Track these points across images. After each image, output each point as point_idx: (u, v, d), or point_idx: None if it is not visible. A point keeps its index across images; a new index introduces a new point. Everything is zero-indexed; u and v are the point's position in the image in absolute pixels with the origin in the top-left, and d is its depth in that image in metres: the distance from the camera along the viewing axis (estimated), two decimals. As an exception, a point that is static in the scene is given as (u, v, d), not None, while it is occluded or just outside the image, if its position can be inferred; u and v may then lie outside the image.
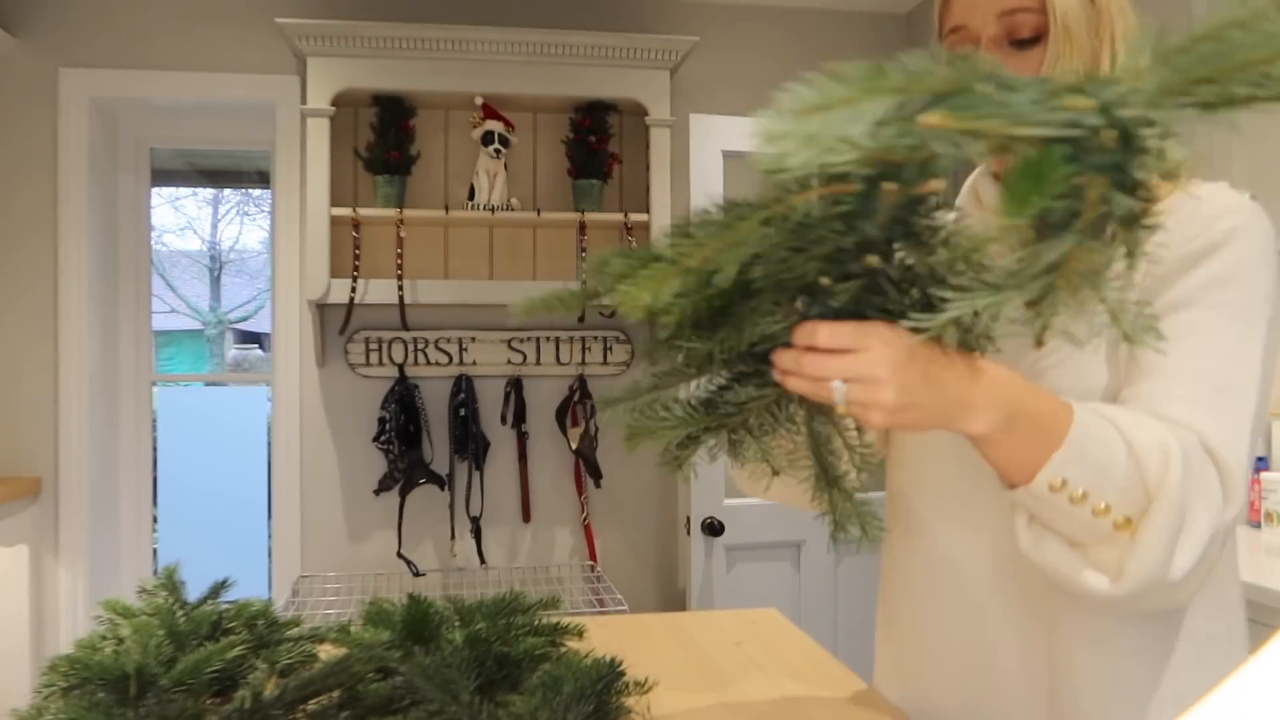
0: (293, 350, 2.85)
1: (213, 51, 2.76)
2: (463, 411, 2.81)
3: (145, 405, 3.01)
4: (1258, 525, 2.06)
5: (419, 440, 2.79)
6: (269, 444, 3.03)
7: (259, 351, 7.82)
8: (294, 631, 0.97)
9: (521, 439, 2.91)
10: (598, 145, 2.79)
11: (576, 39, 2.64)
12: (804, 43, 3.08)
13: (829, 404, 0.66)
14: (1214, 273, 0.79)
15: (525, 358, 2.90)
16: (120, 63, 2.72)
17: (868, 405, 0.65)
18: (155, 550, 3.17)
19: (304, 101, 2.67)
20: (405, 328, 2.68)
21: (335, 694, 0.83)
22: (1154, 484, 0.71)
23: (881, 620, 1.07)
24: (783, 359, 0.66)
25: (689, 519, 2.70)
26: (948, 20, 0.88)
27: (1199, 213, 0.81)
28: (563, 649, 0.96)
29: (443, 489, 2.81)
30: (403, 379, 2.79)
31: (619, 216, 2.74)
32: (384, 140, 2.68)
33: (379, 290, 2.64)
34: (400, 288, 2.62)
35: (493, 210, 2.67)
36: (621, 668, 0.86)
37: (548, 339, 2.91)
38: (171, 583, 0.98)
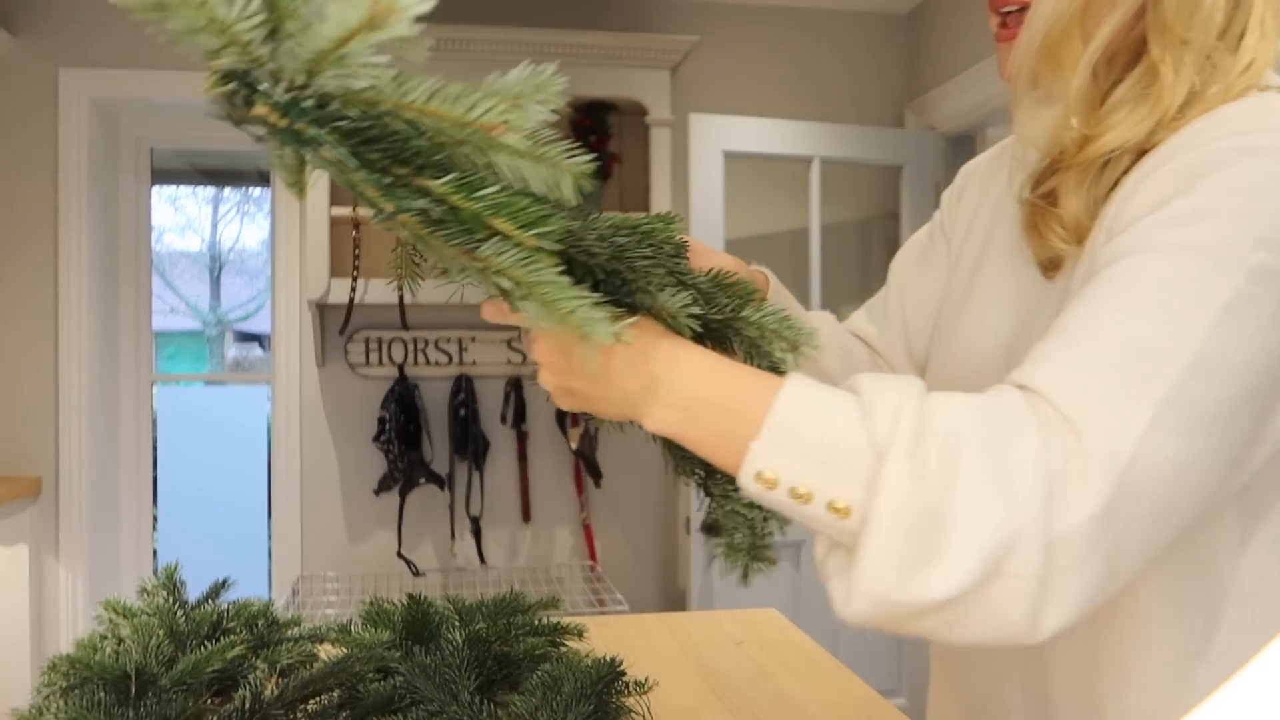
0: (293, 350, 2.85)
1: (213, 51, 2.75)
2: (463, 411, 2.81)
3: (145, 405, 3.01)
4: None
5: (419, 440, 2.79)
6: (269, 444, 3.03)
7: (259, 351, 7.82)
8: (294, 631, 0.97)
9: (521, 439, 2.91)
10: (598, 145, 2.79)
11: (576, 39, 2.64)
12: (804, 42, 3.08)
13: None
14: (1182, 207, 0.58)
15: (525, 358, 2.90)
16: (120, 63, 2.72)
17: (555, 391, 0.67)
18: (155, 550, 3.17)
19: (304, 101, 2.66)
20: (405, 328, 2.68)
21: (335, 694, 0.83)
22: (882, 454, 0.54)
23: (936, 663, 0.91)
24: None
25: (689, 519, 2.70)
26: None
27: (1203, 134, 0.61)
28: (563, 649, 0.96)
29: (443, 489, 2.81)
30: (403, 379, 2.79)
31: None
32: (384, 140, 2.68)
33: (379, 290, 2.64)
34: (400, 288, 2.62)
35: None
36: (621, 668, 0.86)
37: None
38: (171, 583, 0.98)
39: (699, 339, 0.65)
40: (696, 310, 0.63)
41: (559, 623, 0.99)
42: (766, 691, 1.07)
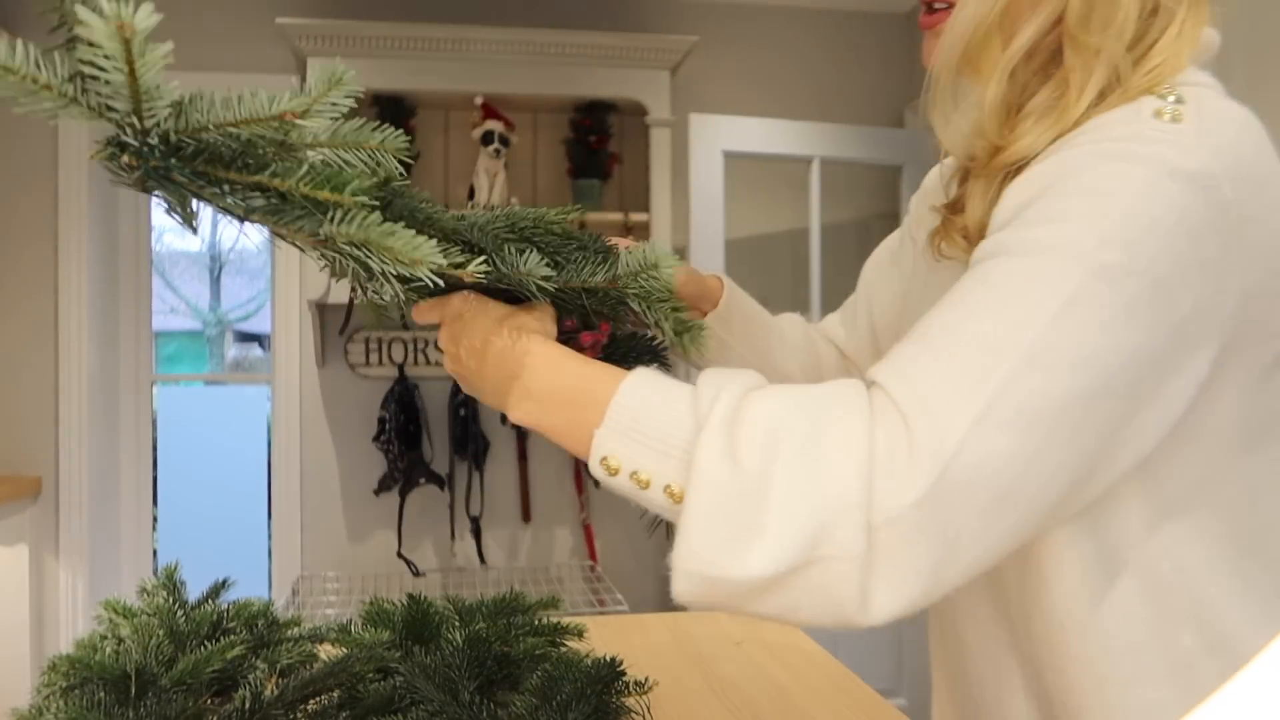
0: (293, 350, 2.85)
1: (213, 51, 2.76)
2: (463, 411, 2.80)
3: (145, 405, 3.01)
4: None
5: (419, 440, 2.79)
6: (269, 444, 3.03)
7: (259, 351, 7.82)
8: (294, 631, 0.97)
9: (521, 439, 2.90)
10: (598, 145, 2.79)
11: (576, 39, 2.64)
12: (804, 42, 3.08)
13: None
14: (1037, 210, 0.57)
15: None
16: (120, 63, 2.71)
17: (455, 377, 0.73)
18: (155, 550, 3.17)
19: (304, 101, 2.66)
20: (405, 328, 2.68)
21: (335, 694, 0.83)
22: (698, 435, 0.55)
23: (937, 676, 0.88)
24: None
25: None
26: None
27: (1072, 140, 0.61)
28: (563, 649, 0.97)
29: (443, 489, 2.81)
30: (403, 379, 2.79)
31: (619, 216, 2.74)
32: (384, 140, 2.68)
33: (379, 290, 2.63)
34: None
35: (493, 210, 2.66)
36: (621, 668, 0.86)
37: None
38: (171, 583, 0.98)
39: (595, 315, 0.73)
40: (547, 272, 0.66)
41: (559, 623, 0.99)
42: (766, 691, 1.07)
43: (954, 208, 0.73)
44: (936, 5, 0.72)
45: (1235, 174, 0.56)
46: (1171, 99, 0.59)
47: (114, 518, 2.91)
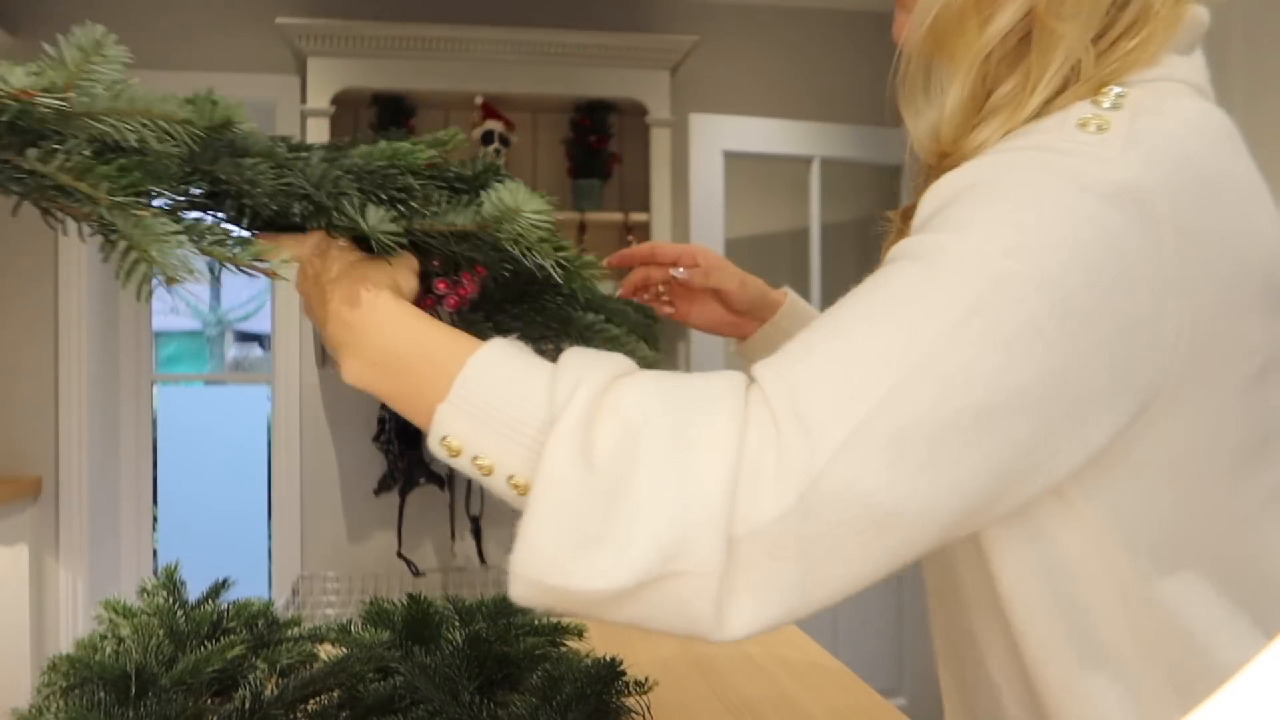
0: (293, 350, 2.85)
1: (213, 51, 2.76)
2: (463, 411, 2.80)
3: (145, 405, 3.01)
4: None
5: (419, 440, 2.78)
6: (269, 443, 3.03)
7: (259, 351, 7.82)
8: (294, 631, 0.97)
9: (521, 439, 2.90)
10: (598, 145, 2.79)
11: (576, 39, 2.64)
12: (804, 42, 3.08)
13: None
14: (947, 214, 0.54)
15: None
16: (120, 62, 2.71)
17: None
18: (155, 550, 3.16)
19: (304, 101, 2.66)
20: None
21: (335, 694, 0.83)
22: (551, 429, 0.51)
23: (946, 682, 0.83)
24: None
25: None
26: None
27: (1004, 143, 0.57)
28: (562, 649, 0.97)
29: (443, 489, 2.81)
30: (403, 379, 2.79)
31: (619, 216, 2.74)
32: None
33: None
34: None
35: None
36: (621, 668, 0.86)
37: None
38: (171, 583, 0.98)
39: (468, 263, 0.66)
40: (391, 228, 0.60)
41: (559, 623, 0.99)
42: (766, 691, 1.07)
43: (907, 214, 0.66)
44: None
45: (1175, 184, 0.51)
46: (1108, 104, 0.55)
47: (114, 518, 2.91)
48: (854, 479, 0.47)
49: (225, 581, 1.00)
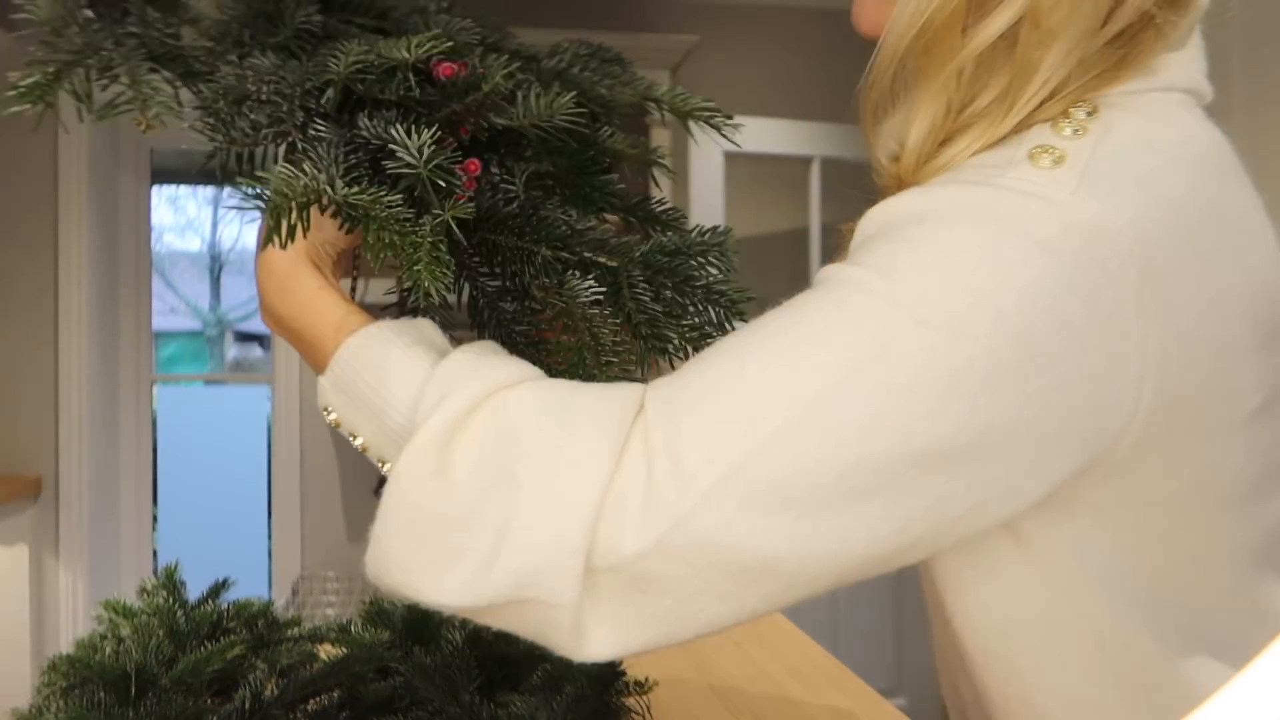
0: (293, 350, 2.84)
1: (213, 51, 2.76)
2: (463, 411, 2.81)
3: (145, 405, 3.01)
4: None
5: (419, 440, 2.79)
6: (269, 444, 3.03)
7: (259, 351, 7.82)
8: (294, 631, 0.97)
9: (521, 439, 2.90)
10: (598, 145, 2.79)
11: (576, 39, 2.64)
12: (804, 42, 3.08)
13: None
14: (871, 248, 0.51)
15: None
16: (120, 62, 2.72)
17: None
18: (155, 550, 3.17)
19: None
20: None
21: (335, 694, 0.83)
22: (410, 439, 0.50)
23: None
24: None
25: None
26: None
27: (973, 171, 0.52)
28: (563, 649, 0.96)
29: (443, 489, 2.81)
30: (403, 379, 2.79)
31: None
32: (384, 140, 2.68)
33: (379, 290, 2.63)
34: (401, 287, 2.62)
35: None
36: (621, 668, 0.86)
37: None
38: (171, 583, 0.98)
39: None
40: (333, 190, 0.56)
41: (559, 623, 0.99)
42: (766, 691, 1.07)
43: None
44: None
45: (1142, 221, 0.46)
46: (1069, 130, 0.50)
47: (114, 518, 2.91)
48: (720, 525, 0.45)
49: (225, 581, 1.00)
